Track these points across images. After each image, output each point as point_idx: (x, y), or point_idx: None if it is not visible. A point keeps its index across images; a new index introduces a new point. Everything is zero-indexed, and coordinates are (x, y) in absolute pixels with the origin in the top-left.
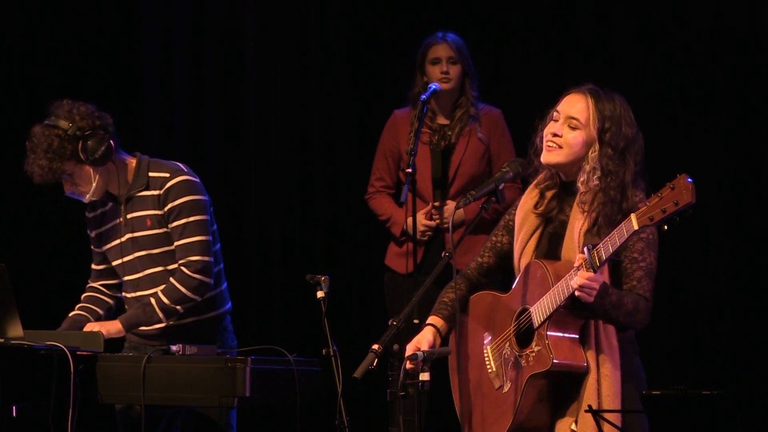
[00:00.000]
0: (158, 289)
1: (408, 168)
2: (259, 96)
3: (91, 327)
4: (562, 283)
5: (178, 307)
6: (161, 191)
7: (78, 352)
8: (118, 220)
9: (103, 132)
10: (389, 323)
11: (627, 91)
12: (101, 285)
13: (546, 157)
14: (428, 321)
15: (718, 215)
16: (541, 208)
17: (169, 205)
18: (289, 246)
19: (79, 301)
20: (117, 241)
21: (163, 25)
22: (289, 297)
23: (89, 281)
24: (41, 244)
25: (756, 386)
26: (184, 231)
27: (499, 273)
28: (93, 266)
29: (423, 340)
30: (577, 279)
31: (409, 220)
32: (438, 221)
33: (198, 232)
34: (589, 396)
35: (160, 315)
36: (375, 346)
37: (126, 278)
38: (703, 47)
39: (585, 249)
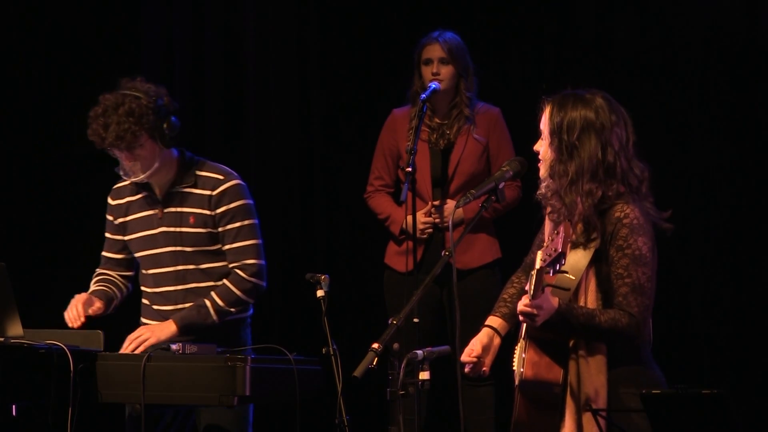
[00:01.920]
0: (210, 287)
1: (408, 167)
2: (259, 96)
3: (142, 331)
4: None
5: (232, 309)
6: (213, 192)
7: (88, 353)
8: (152, 212)
9: (174, 116)
10: (389, 322)
11: (627, 91)
12: (115, 273)
13: (540, 174)
14: (486, 322)
15: (718, 215)
16: (554, 218)
17: (224, 208)
18: (289, 245)
19: (92, 283)
20: (146, 233)
21: (163, 24)
22: (289, 296)
23: (100, 269)
24: (41, 242)
25: (756, 386)
26: (239, 234)
27: None
28: (108, 254)
29: (477, 342)
30: (518, 305)
31: (409, 218)
32: (438, 220)
33: (252, 236)
34: (569, 410)
35: (215, 317)
36: (375, 345)
37: (149, 271)
38: (703, 48)
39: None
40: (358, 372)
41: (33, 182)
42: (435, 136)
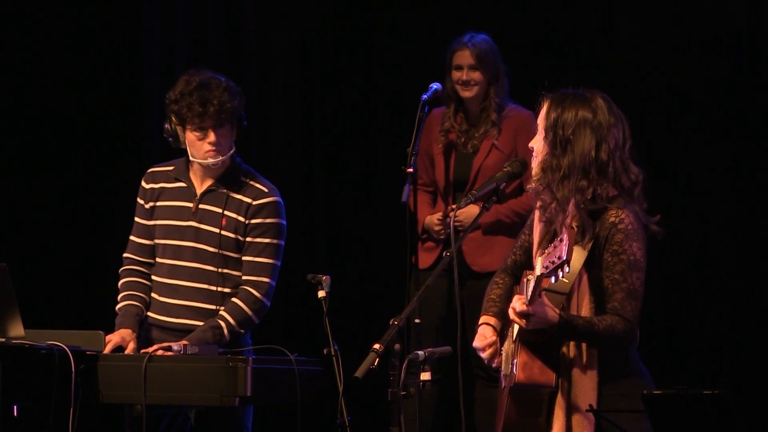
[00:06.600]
0: (221, 292)
1: (409, 167)
2: (260, 96)
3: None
4: None
5: (242, 330)
6: (254, 202)
7: (87, 352)
8: (186, 204)
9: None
10: (390, 323)
11: (627, 91)
12: (142, 264)
13: (533, 170)
14: (481, 321)
15: (719, 215)
16: (546, 216)
17: (258, 220)
18: (290, 245)
19: (122, 284)
20: (175, 222)
21: (164, 23)
22: (290, 297)
23: (128, 254)
24: (43, 243)
25: (757, 386)
26: (264, 250)
27: None
28: (137, 240)
29: (487, 330)
30: (513, 302)
31: (425, 218)
32: (458, 223)
33: (274, 256)
34: (558, 413)
35: (228, 338)
36: (376, 346)
37: (164, 261)
38: (704, 48)
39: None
40: (359, 372)
41: (33, 182)
42: (463, 139)
